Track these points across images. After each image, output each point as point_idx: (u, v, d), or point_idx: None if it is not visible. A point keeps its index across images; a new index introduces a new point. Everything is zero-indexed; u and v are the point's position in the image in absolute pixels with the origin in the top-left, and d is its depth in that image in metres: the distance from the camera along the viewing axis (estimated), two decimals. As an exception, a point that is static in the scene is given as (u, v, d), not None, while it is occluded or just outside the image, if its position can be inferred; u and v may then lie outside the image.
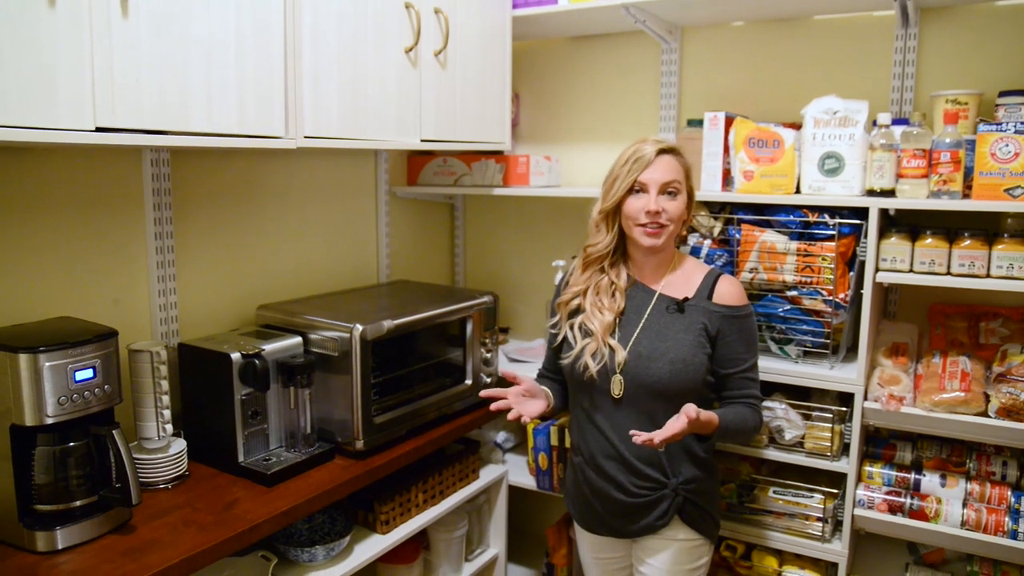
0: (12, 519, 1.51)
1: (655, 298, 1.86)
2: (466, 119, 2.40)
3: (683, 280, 1.88)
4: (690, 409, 1.63)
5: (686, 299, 1.83)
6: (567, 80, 2.88)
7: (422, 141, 2.25)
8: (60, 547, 1.50)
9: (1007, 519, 1.95)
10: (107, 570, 1.43)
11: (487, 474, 2.48)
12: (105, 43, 1.43)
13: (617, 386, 1.81)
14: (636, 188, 1.80)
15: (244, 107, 1.72)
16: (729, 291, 1.84)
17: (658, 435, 1.61)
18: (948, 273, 1.97)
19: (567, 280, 1.98)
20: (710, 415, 1.71)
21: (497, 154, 2.65)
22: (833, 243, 2.07)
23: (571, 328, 1.90)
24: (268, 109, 1.78)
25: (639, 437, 1.62)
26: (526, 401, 1.85)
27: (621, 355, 1.81)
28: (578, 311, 1.90)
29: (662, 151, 1.80)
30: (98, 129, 1.44)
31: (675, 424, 1.63)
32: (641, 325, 1.84)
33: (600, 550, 2.00)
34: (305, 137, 1.87)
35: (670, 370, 1.77)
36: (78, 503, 1.55)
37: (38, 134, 1.35)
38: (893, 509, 2.07)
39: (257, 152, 2.23)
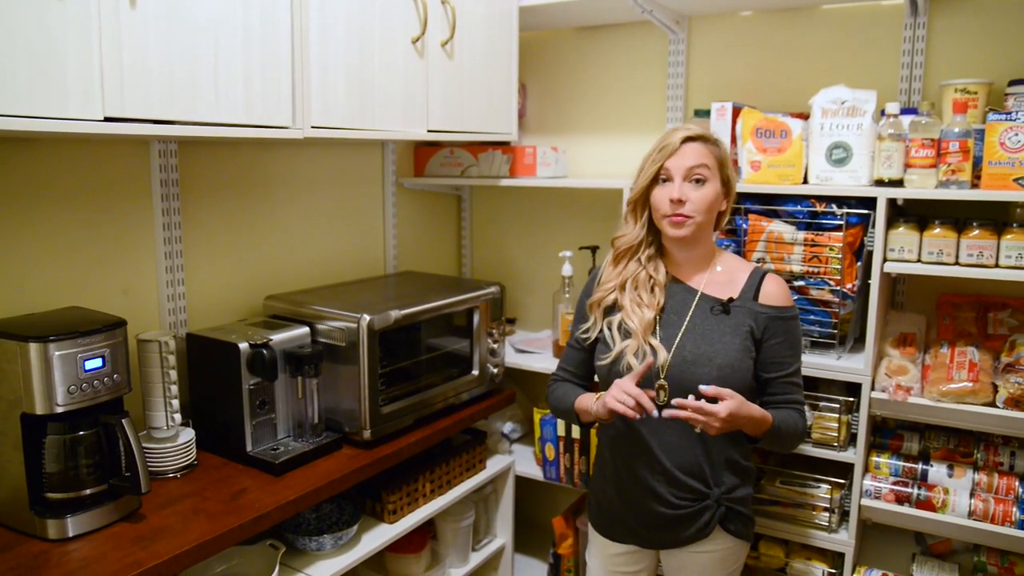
0: (23, 507, 1.52)
1: (697, 298, 1.76)
2: (473, 110, 2.40)
3: (726, 279, 1.78)
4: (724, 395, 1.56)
5: (731, 300, 1.74)
6: (574, 71, 2.87)
7: (429, 132, 2.25)
8: (71, 535, 1.52)
9: (1015, 509, 1.95)
10: (117, 557, 1.44)
11: (494, 464, 2.49)
12: (114, 32, 1.43)
13: (661, 392, 1.69)
14: (662, 177, 1.72)
15: (251, 97, 1.72)
16: (776, 291, 1.75)
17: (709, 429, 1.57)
18: (956, 263, 1.96)
19: (599, 279, 1.86)
20: (763, 413, 1.65)
21: (504, 145, 2.65)
22: (841, 233, 2.07)
23: (608, 327, 1.79)
24: (276, 99, 1.78)
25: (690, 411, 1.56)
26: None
27: (663, 356, 1.70)
28: (614, 308, 1.81)
29: (688, 138, 1.71)
30: (107, 119, 1.44)
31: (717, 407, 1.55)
32: (684, 327, 1.73)
33: (621, 563, 1.88)
34: (312, 127, 1.87)
35: (718, 376, 1.66)
36: (88, 491, 1.56)
37: (48, 124, 1.36)
38: (900, 499, 2.07)
39: (264, 142, 2.23)
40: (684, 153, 1.70)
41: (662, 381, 1.70)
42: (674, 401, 1.58)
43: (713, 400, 1.57)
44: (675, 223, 1.71)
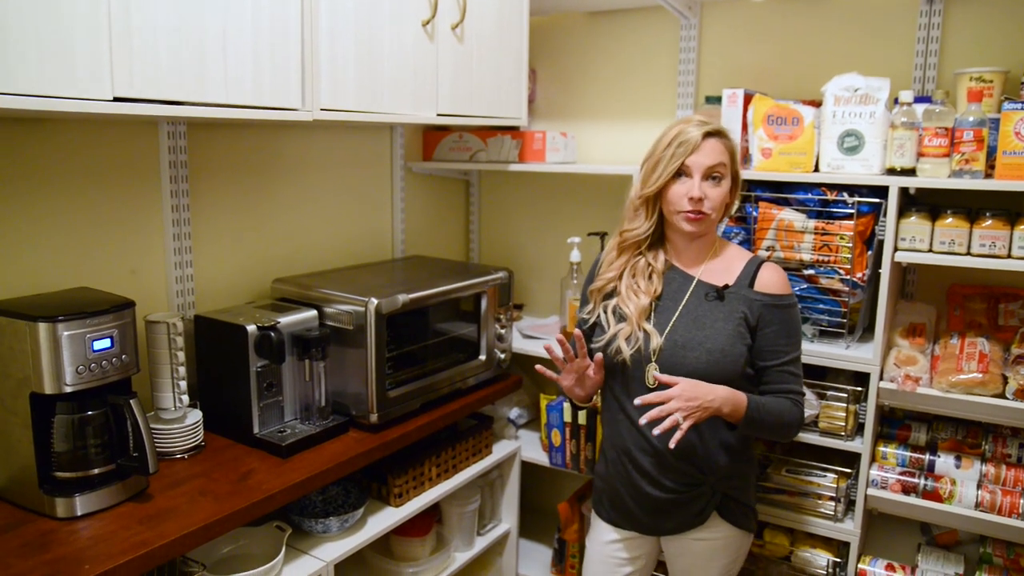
0: (33, 485, 1.53)
1: (693, 284, 1.77)
2: (482, 94, 2.39)
3: (724, 267, 1.78)
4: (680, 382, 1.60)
5: (726, 286, 1.74)
6: (584, 56, 2.85)
7: (438, 116, 2.24)
8: (79, 513, 1.53)
9: (1022, 501, 1.94)
10: (125, 536, 1.45)
11: (500, 449, 2.49)
12: (123, 11, 1.42)
13: (652, 375, 1.71)
14: (680, 172, 1.70)
15: (260, 78, 1.71)
16: (772, 279, 1.75)
17: (666, 423, 1.58)
18: (968, 253, 1.94)
19: (600, 265, 1.88)
20: (735, 394, 1.65)
21: (513, 130, 2.64)
22: (851, 222, 2.05)
23: (604, 311, 1.81)
24: (285, 80, 1.77)
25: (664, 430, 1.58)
26: (576, 379, 1.78)
27: (656, 341, 1.71)
28: (612, 294, 1.82)
29: (708, 134, 1.69)
30: (116, 99, 1.44)
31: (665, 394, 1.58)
32: (678, 312, 1.75)
33: (617, 549, 1.90)
34: (322, 110, 1.86)
35: (707, 360, 1.68)
36: (96, 471, 1.57)
37: (57, 103, 1.35)
38: (907, 490, 2.06)
39: (273, 124, 2.23)
40: (704, 150, 1.69)
41: (653, 364, 1.72)
42: (636, 400, 1.62)
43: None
44: (693, 220, 1.71)
